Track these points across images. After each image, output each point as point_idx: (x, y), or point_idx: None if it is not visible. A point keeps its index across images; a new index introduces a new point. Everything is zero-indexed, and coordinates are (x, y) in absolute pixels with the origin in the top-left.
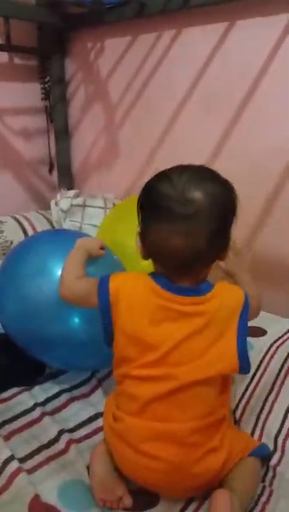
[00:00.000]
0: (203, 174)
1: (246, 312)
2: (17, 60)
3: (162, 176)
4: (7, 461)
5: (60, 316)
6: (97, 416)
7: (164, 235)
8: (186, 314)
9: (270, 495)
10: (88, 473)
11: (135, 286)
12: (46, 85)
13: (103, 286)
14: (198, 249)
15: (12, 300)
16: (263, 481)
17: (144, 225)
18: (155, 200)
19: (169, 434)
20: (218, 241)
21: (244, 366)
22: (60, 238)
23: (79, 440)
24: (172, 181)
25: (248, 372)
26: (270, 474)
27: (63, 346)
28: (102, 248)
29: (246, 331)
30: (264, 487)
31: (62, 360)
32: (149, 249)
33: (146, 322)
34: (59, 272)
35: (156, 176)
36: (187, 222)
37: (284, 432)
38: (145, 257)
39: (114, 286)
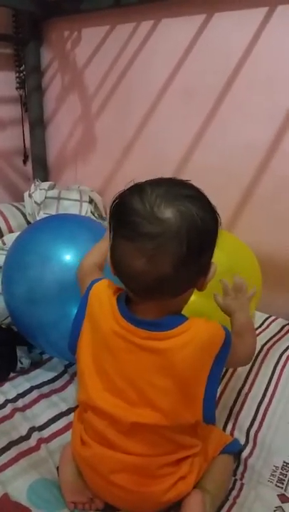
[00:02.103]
0: (182, 191)
1: (224, 356)
2: None
3: (135, 188)
4: None
5: (62, 302)
6: (69, 411)
7: (125, 253)
8: (142, 348)
9: (240, 489)
10: (58, 475)
11: (103, 304)
12: (21, 74)
13: (89, 287)
14: (162, 274)
15: (19, 285)
16: (235, 474)
17: (112, 240)
18: (122, 214)
19: (138, 467)
20: (189, 268)
21: (208, 418)
22: (66, 224)
23: (49, 439)
24: (144, 195)
25: (213, 423)
26: (241, 468)
27: (64, 332)
28: None
29: (219, 379)
30: (235, 481)
31: (63, 348)
32: (114, 267)
33: (102, 344)
34: (63, 258)
35: (130, 187)
36: (151, 243)
37: (256, 424)
38: (113, 272)
39: (91, 293)
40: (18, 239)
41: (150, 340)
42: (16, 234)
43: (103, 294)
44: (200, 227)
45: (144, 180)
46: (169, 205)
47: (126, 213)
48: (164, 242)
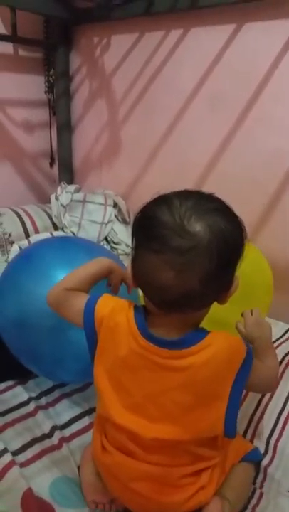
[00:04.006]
0: (210, 204)
1: (246, 371)
2: (22, 52)
3: (162, 200)
4: (0, 454)
5: (54, 329)
6: (91, 410)
7: (153, 267)
8: (163, 367)
9: (260, 497)
10: (79, 474)
11: (118, 322)
12: (50, 78)
13: (89, 310)
14: (188, 290)
15: (11, 306)
16: (254, 483)
17: (136, 252)
18: (149, 227)
19: (159, 477)
20: (216, 283)
21: (229, 433)
22: (66, 247)
23: (70, 438)
24: (172, 207)
25: (233, 437)
26: (260, 477)
27: (55, 360)
28: (125, 282)
29: (241, 394)
30: (254, 489)
31: (52, 374)
32: (137, 279)
33: (122, 363)
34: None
35: (155, 199)
36: (181, 257)
37: (276, 433)
38: (134, 285)
39: (99, 315)
40: (14, 259)
41: (171, 359)
42: (42, 235)
43: (116, 312)
44: (229, 242)
45: (168, 192)
46: (199, 219)
47: (154, 226)
48: (194, 256)
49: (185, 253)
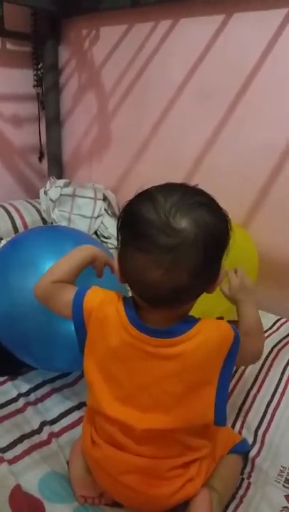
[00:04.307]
0: (195, 198)
1: (233, 356)
2: (10, 46)
3: (146, 197)
4: None
5: (44, 318)
6: (81, 405)
7: (141, 265)
8: (155, 356)
9: (247, 487)
10: (68, 469)
11: (108, 313)
12: (39, 72)
13: (77, 302)
14: (178, 285)
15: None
16: (242, 473)
17: (122, 250)
18: (135, 225)
19: (147, 469)
20: (204, 276)
21: (219, 419)
22: (53, 236)
23: (60, 433)
24: (157, 204)
25: (223, 425)
26: (248, 467)
27: (45, 348)
28: (109, 266)
29: (229, 379)
30: (242, 480)
31: (43, 362)
32: (125, 276)
33: (113, 354)
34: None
35: (139, 194)
36: (169, 254)
37: (264, 425)
38: (122, 281)
39: (88, 306)
40: (1, 248)
41: (162, 348)
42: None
43: (105, 304)
44: (215, 235)
45: (152, 187)
46: (184, 215)
47: (140, 224)
48: (181, 253)
49: (172, 250)
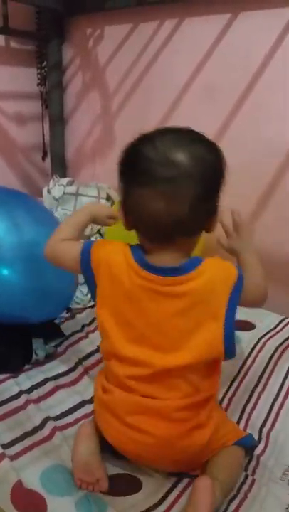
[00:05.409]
0: (188, 135)
1: (237, 293)
2: (14, 44)
3: (144, 138)
4: None
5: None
6: (83, 404)
7: (143, 200)
8: (164, 295)
9: (252, 484)
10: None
11: (116, 260)
12: (43, 71)
13: (85, 255)
14: (180, 215)
15: None
16: (246, 470)
17: (125, 191)
18: (135, 163)
19: (155, 410)
20: (203, 208)
21: (229, 352)
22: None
23: (64, 427)
24: (154, 143)
25: (233, 357)
26: (253, 463)
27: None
28: (111, 218)
29: (235, 313)
30: (247, 476)
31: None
32: (129, 218)
33: (124, 298)
34: None
35: (138, 137)
36: (168, 186)
37: (269, 423)
38: (128, 227)
39: (95, 257)
40: None
41: (171, 286)
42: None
43: (113, 252)
44: (211, 166)
45: (150, 131)
46: (181, 150)
47: (140, 161)
48: (180, 183)
49: (171, 181)
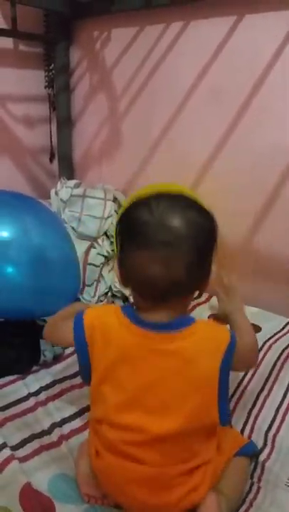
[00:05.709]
0: (182, 202)
1: (230, 356)
2: (22, 47)
3: (139, 203)
4: None
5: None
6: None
7: (141, 262)
8: (157, 352)
9: (257, 492)
10: (75, 467)
11: (109, 322)
12: (50, 73)
13: (78, 324)
14: (177, 278)
15: None
16: (252, 477)
17: (122, 252)
18: (133, 227)
19: (152, 478)
20: (198, 271)
21: (224, 419)
22: None
23: (69, 435)
24: (150, 208)
25: (228, 425)
26: (258, 470)
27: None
28: None
29: (228, 379)
30: (252, 483)
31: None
32: (126, 277)
33: (117, 360)
34: None
35: (132, 203)
36: (166, 250)
37: (274, 427)
38: (124, 284)
39: (88, 322)
40: None
41: (163, 343)
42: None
43: (105, 316)
44: (204, 231)
45: (144, 197)
46: (176, 215)
47: (137, 225)
48: (176, 247)
49: (167, 246)
